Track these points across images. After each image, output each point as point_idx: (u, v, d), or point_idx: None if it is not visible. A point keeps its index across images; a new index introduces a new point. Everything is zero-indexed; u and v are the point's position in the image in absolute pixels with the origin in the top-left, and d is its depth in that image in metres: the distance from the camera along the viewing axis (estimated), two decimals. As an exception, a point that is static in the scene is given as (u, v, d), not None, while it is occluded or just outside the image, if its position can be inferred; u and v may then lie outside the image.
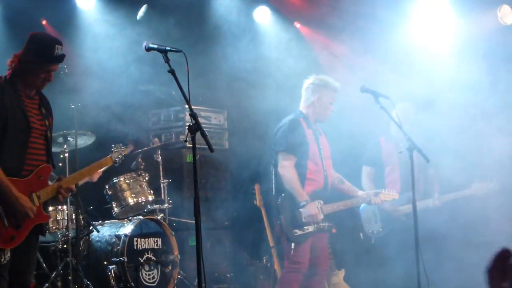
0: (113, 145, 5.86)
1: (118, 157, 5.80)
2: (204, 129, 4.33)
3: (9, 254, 4.52)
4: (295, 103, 6.89)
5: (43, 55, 4.70)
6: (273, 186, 6.61)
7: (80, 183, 7.12)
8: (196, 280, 4.26)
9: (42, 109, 4.86)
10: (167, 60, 4.38)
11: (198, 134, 4.29)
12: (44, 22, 8.63)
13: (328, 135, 6.91)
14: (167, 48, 4.41)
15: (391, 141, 7.55)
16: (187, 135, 4.28)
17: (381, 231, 7.49)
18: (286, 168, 6.45)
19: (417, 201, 6.95)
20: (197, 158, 4.33)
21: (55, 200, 4.92)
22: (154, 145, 8.26)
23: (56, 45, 4.74)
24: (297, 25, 9.83)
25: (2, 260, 4.49)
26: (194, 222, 4.24)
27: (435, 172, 7.63)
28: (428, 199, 7.35)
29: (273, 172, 6.61)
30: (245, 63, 8.98)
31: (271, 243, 8.02)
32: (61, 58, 4.78)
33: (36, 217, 4.65)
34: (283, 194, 6.49)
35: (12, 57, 4.75)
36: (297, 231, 6.41)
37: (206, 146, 4.31)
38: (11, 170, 4.56)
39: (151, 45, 4.45)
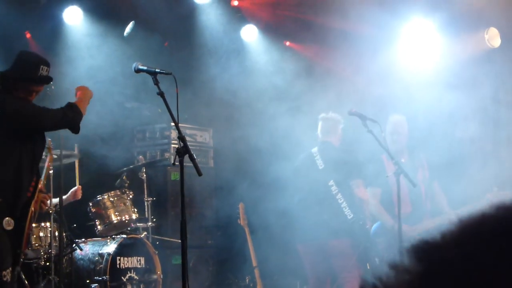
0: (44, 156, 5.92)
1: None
2: (191, 150, 4.30)
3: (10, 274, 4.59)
4: (281, 121, 6.84)
5: (27, 74, 4.64)
6: (349, 210, 6.67)
7: (65, 203, 7.06)
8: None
9: None
10: (156, 82, 4.34)
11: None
12: (28, 36, 8.54)
13: None
14: (156, 70, 4.37)
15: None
16: (175, 158, 4.24)
17: None
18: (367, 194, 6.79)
19: (428, 219, 6.73)
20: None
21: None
22: (139, 163, 8.21)
23: (42, 66, 4.67)
24: (287, 43, 9.85)
25: (5, 279, 4.51)
26: (177, 240, 4.22)
27: (438, 185, 7.10)
28: (439, 215, 6.82)
29: (341, 197, 6.71)
30: (231, 81, 8.97)
31: (254, 263, 7.97)
32: (45, 79, 4.71)
33: None
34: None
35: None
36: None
37: (191, 164, 4.27)
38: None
39: (140, 67, 4.41)
